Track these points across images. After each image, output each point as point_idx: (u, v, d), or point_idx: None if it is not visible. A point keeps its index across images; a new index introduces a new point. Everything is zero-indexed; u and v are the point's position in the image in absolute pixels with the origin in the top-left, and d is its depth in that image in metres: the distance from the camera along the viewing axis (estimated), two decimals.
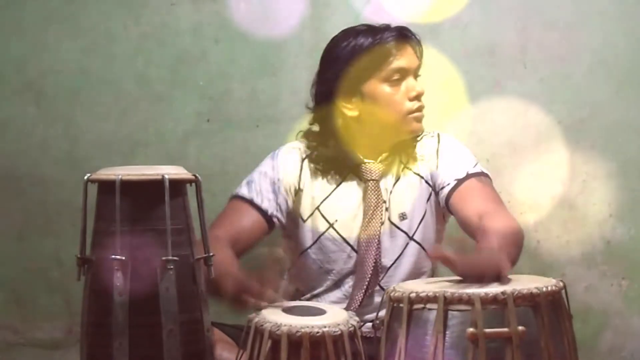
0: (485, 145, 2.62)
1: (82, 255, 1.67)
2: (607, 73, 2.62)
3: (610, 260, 2.63)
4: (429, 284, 1.73)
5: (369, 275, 2.16)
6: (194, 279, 1.67)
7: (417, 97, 2.16)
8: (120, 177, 1.62)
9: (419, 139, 2.24)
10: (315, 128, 2.26)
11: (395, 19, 2.49)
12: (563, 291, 1.66)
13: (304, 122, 2.57)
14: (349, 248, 2.19)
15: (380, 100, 2.18)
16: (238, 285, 1.79)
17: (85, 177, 1.68)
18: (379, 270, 2.18)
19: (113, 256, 1.60)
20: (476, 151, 2.60)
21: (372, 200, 2.18)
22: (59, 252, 2.73)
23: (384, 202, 2.19)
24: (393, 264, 2.19)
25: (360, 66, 2.17)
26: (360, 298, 2.16)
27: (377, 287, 2.18)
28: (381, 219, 2.18)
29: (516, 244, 1.95)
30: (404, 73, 2.16)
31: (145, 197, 1.64)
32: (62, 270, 2.72)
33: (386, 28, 2.19)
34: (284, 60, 2.71)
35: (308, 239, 2.22)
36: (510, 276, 1.72)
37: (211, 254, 1.71)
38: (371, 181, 2.19)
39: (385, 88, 2.17)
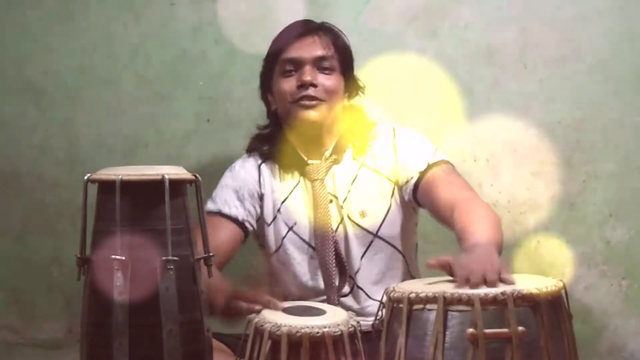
0: (485, 145, 2.62)
1: (82, 255, 1.67)
2: (607, 73, 2.62)
3: (610, 260, 2.63)
4: (428, 284, 1.73)
5: (334, 272, 2.16)
6: (194, 279, 1.66)
7: (303, 86, 2.15)
8: (120, 177, 1.62)
9: (371, 135, 2.23)
10: (267, 131, 2.30)
11: (395, 19, 2.49)
12: (563, 291, 1.66)
13: None
14: (311, 249, 2.20)
15: (276, 92, 2.22)
16: (228, 295, 1.80)
17: (85, 177, 1.68)
18: (345, 267, 2.17)
19: (113, 256, 1.59)
20: (476, 151, 2.62)
21: (319, 198, 2.18)
22: (59, 252, 2.73)
23: (335, 198, 2.19)
24: (361, 262, 2.19)
25: (266, 62, 2.25)
26: (336, 300, 2.15)
27: (354, 286, 2.18)
28: (329, 215, 2.17)
29: (499, 231, 1.95)
30: (297, 64, 2.18)
31: (145, 197, 1.64)
32: (62, 270, 2.72)
33: (294, 23, 2.24)
34: None
35: (273, 243, 2.24)
36: (510, 276, 1.72)
37: (211, 254, 1.71)
38: (316, 180, 2.20)
39: (280, 80, 2.20)
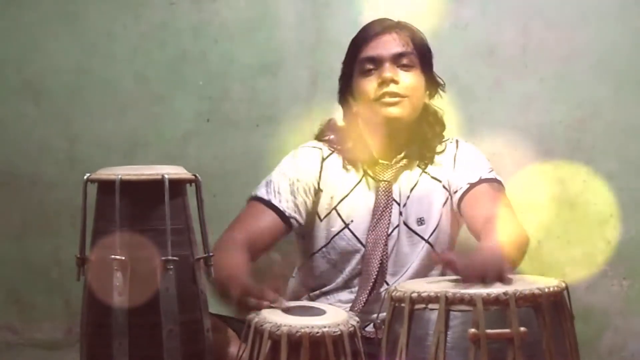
0: (485, 145, 2.61)
1: (82, 255, 1.66)
2: (608, 73, 2.62)
3: (612, 260, 2.63)
4: (430, 283, 1.73)
5: (374, 277, 2.16)
6: (194, 279, 1.66)
7: (385, 83, 2.14)
8: (120, 177, 1.61)
9: (440, 145, 2.24)
10: (340, 124, 2.29)
11: (395, 19, 2.49)
12: (565, 292, 1.66)
13: (304, 122, 2.58)
14: (363, 248, 2.19)
15: (357, 92, 2.21)
16: (242, 288, 1.79)
17: (85, 177, 1.67)
18: (385, 271, 2.17)
19: (113, 256, 1.59)
20: None
21: (382, 201, 2.18)
22: (59, 252, 2.72)
23: (397, 203, 2.19)
24: (409, 267, 2.19)
25: (346, 63, 2.24)
26: (364, 299, 2.15)
27: (386, 289, 2.18)
28: (389, 220, 2.17)
29: (519, 248, 1.95)
30: (376, 62, 2.17)
31: (145, 197, 1.63)
32: (61, 270, 2.72)
33: (372, 22, 2.23)
34: (284, 60, 2.70)
35: (322, 238, 2.22)
36: (511, 276, 1.72)
37: (211, 254, 1.71)
38: (383, 182, 2.19)
39: (361, 79, 2.19)
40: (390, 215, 2.18)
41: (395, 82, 2.15)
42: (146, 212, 1.64)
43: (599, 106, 2.63)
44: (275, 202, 2.17)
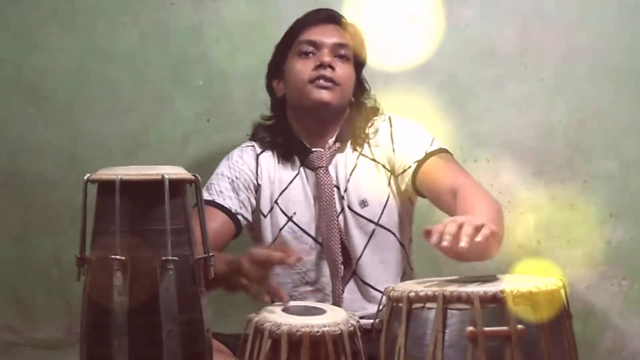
0: (485, 145, 2.62)
1: (82, 255, 1.66)
2: (608, 73, 2.62)
3: (611, 260, 2.63)
4: (428, 283, 1.73)
5: (340, 261, 2.16)
6: (194, 279, 1.66)
7: (322, 66, 2.17)
8: (120, 177, 1.61)
9: (369, 124, 2.24)
10: (269, 121, 2.31)
11: (395, 19, 2.49)
12: (562, 290, 1.66)
13: None
14: (310, 239, 2.20)
15: (290, 74, 2.23)
16: (228, 264, 1.80)
17: (85, 177, 1.67)
18: (351, 257, 2.17)
19: (113, 256, 1.59)
20: (476, 151, 2.61)
21: (324, 186, 2.19)
22: (59, 252, 2.72)
23: (337, 188, 2.20)
24: (363, 251, 2.19)
25: (280, 46, 2.27)
26: (340, 288, 2.15)
27: (355, 277, 2.19)
28: (334, 203, 2.18)
29: (500, 219, 1.94)
30: (316, 46, 2.20)
31: (145, 197, 1.63)
32: (61, 270, 2.72)
33: (316, 9, 2.26)
34: None
35: (269, 234, 2.23)
36: (509, 275, 1.72)
37: (211, 254, 1.71)
38: (320, 168, 2.20)
39: (297, 60, 2.21)
40: (334, 199, 2.18)
41: (332, 67, 2.17)
42: (146, 212, 1.63)
43: (599, 106, 2.63)
44: (219, 200, 2.19)
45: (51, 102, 2.75)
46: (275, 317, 1.68)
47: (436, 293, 1.59)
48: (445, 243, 1.63)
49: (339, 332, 1.65)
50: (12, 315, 2.78)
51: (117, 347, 1.59)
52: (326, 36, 2.21)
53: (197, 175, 1.71)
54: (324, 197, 2.18)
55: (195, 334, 1.66)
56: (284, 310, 1.74)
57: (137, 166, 1.69)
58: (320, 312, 1.75)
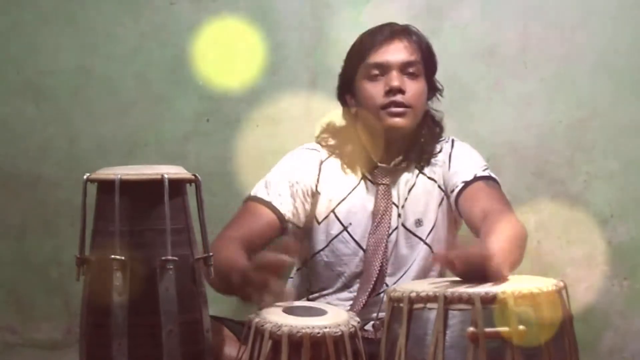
0: (485, 145, 2.61)
1: (82, 255, 1.66)
2: (608, 73, 2.62)
3: (612, 261, 2.63)
4: (429, 284, 1.73)
5: (374, 279, 2.15)
6: (194, 279, 1.66)
7: (392, 91, 2.13)
8: (119, 176, 1.61)
9: (437, 145, 2.23)
10: (340, 125, 2.28)
11: (396, 19, 2.48)
12: (564, 291, 1.65)
13: (304, 122, 2.58)
14: (362, 252, 2.18)
15: (361, 97, 2.19)
16: (243, 277, 1.78)
17: (85, 177, 1.67)
18: (385, 273, 2.17)
19: (112, 256, 1.59)
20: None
21: (382, 204, 2.18)
22: (58, 252, 2.72)
23: (395, 206, 2.19)
24: (408, 269, 2.19)
25: (349, 64, 2.21)
26: (364, 300, 2.15)
27: (384, 290, 2.17)
28: (389, 223, 2.17)
29: (518, 245, 1.94)
30: (383, 69, 2.15)
31: (145, 197, 1.63)
32: (61, 270, 2.72)
33: (380, 26, 2.20)
34: (284, 60, 2.70)
35: (321, 241, 2.21)
36: (510, 276, 1.72)
37: (210, 254, 1.71)
38: (382, 185, 2.19)
39: (365, 84, 2.17)
40: (390, 219, 2.17)
41: (402, 91, 2.13)
42: (146, 212, 1.63)
43: (599, 106, 2.63)
44: (276, 204, 2.16)
45: (51, 102, 2.75)
46: (276, 318, 1.67)
47: (437, 294, 1.59)
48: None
49: (339, 333, 1.65)
50: (11, 315, 2.77)
51: (117, 347, 1.59)
52: (393, 55, 2.15)
53: (197, 175, 1.70)
54: (379, 215, 2.17)
55: (195, 334, 1.66)
56: (284, 310, 1.74)
57: (136, 166, 1.68)
58: (321, 313, 1.75)
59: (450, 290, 1.59)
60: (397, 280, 2.18)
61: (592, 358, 2.59)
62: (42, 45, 2.74)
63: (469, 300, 1.56)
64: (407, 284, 1.79)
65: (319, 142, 2.28)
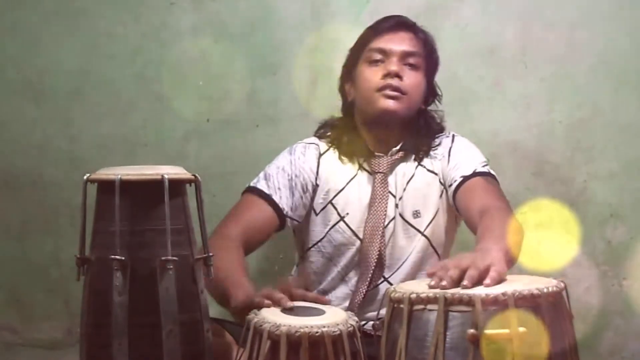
0: (485, 145, 2.61)
1: (82, 255, 1.66)
2: (608, 73, 2.62)
3: (611, 261, 2.63)
4: (429, 284, 1.73)
5: (372, 268, 2.17)
6: (194, 279, 1.66)
7: (389, 75, 2.17)
8: (119, 177, 1.61)
9: (436, 138, 2.26)
10: (338, 117, 2.32)
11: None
12: (564, 292, 1.65)
13: (304, 122, 2.58)
14: (358, 241, 2.20)
15: (359, 81, 2.24)
16: (248, 299, 1.78)
17: (85, 177, 1.67)
18: (384, 263, 2.18)
19: (112, 256, 1.59)
20: None
21: (378, 193, 2.20)
22: (59, 252, 2.72)
23: (393, 196, 2.21)
24: (405, 260, 2.20)
25: (354, 49, 2.27)
26: (364, 291, 2.17)
27: (383, 282, 2.19)
28: (385, 211, 2.19)
29: (515, 242, 1.94)
30: (385, 54, 2.20)
31: (145, 197, 1.63)
32: (61, 270, 2.72)
33: (389, 16, 2.27)
34: (284, 60, 2.70)
35: (318, 232, 2.24)
36: (510, 277, 1.72)
37: (210, 254, 1.71)
38: (379, 174, 2.21)
39: (365, 68, 2.22)
40: (386, 207, 2.20)
41: (400, 77, 2.18)
42: (146, 212, 1.63)
43: (599, 106, 2.63)
44: (275, 198, 2.19)
45: (51, 102, 2.75)
46: (274, 317, 1.68)
47: (437, 295, 1.59)
48: (444, 283, 1.63)
49: (338, 332, 1.65)
50: (12, 315, 2.77)
51: (117, 347, 1.59)
52: (395, 44, 2.21)
53: (197, 175, 1.71)
54: (376, 203, 2.19)
55: (195, 334, 1.66)
56: (283, 310, 1.74)
57: (136, 166, 1.68)
58: (319, 312, 1.75)
59: (450, 291, 1.59)
60: (396, 271, 2.20)
61: (592, 358, 2.59)
62: (42, 45, 2.74)
63: (469, 302, 1.56)
64: (407, 284, 1.79)
65: (317, 136, 2.31)
